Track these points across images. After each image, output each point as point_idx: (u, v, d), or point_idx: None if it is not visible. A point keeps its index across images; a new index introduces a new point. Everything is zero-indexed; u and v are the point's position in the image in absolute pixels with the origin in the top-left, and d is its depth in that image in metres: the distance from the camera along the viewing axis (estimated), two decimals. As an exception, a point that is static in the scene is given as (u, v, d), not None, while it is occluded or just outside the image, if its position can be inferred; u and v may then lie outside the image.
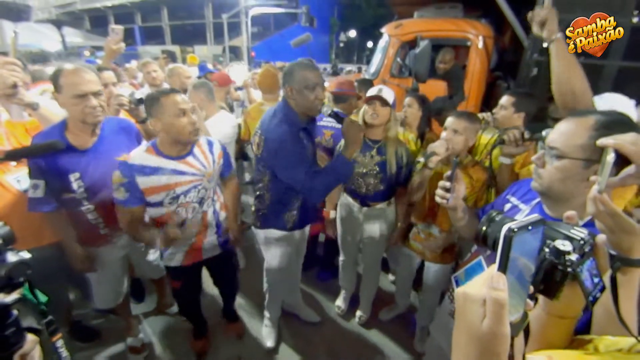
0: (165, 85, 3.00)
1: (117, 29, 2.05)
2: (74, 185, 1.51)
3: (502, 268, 0.41)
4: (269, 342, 2.15)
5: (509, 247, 0.41)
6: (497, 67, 3.68)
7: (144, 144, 1.55)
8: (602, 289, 0.53)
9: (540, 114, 2.00)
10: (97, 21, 23.17)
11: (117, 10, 22.72)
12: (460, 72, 3.43)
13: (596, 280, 0.52)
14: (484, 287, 0.42)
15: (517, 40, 3.10)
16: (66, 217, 1.61)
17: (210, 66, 4.76)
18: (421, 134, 2.36)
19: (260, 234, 1.90)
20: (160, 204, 1.54)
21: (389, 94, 1.84)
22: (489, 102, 3.39)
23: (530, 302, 0.46)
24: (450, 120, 1.66)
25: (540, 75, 2.73)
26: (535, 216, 0.44)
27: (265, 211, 1.80)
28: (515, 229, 0.41)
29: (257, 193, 1.81)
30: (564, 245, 0.50)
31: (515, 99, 1.83)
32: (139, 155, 1.50)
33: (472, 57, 3.42)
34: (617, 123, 0.84)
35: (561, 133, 0.89)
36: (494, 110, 1.92)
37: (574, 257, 0.49)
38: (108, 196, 1.55)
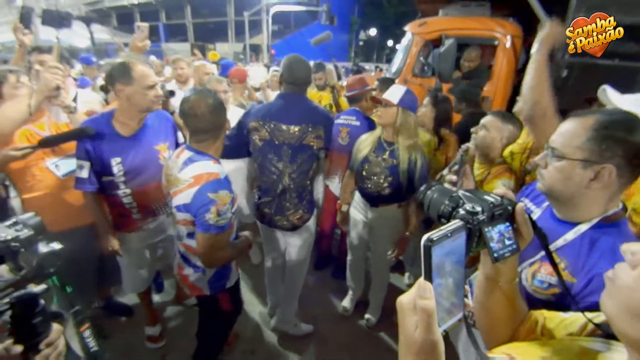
0: (191, 81, 3.06)
1: (142, 27, 2.09)
2: (115, 169, 1.60)
3: (427, 276, 0.43)
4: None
5: (429, 256, 0.43)
6: (524, 68, 3.55)
7: (205, 157, 1.37)
8: (514, 251, 0.58)
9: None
10: (124, 18, 23.89)
11: (142, 7, 23.34)
12: (486, 72, 3.33)
13: (508, 242, 0.57)
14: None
15: (547, 40, 2.97)
16: (103, 200, 1.71)
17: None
18: (438, 135, 2.31)
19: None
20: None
21: (393, 94, 1.77)
22: (515, 103, 3.28)
23: (469, 302, 0.48)
24: (484, 118, 1.66)
25: (571, 77, 2.61)
26: (456, 222, 0.48)
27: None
28: (434, 238, 0.43)
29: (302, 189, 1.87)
30: (473, 207, 0.57)
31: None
32: (215, 168, 1.33)
33: (498, 57, 3.31)
34: (618, 122, 0.80)
35: (561, 133, 0.87)
36: None
37: (481, 217, 0.55)
38: (144, 182, 1.64)
